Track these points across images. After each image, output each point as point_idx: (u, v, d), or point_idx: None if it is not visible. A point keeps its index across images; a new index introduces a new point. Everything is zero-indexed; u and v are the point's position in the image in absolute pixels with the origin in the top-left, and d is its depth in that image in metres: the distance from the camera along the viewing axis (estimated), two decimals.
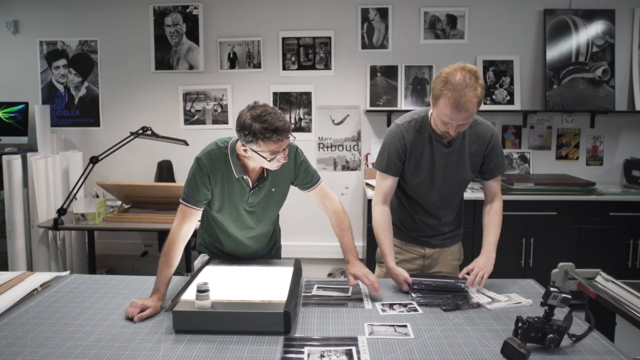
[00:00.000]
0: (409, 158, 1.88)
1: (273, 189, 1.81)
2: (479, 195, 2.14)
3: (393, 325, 1.50)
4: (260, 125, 1.55)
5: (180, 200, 1.75)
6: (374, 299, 1.71)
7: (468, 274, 1.79)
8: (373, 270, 2.17)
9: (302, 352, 1.33)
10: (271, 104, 4.08)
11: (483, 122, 1.89)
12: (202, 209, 1.78)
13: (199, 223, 1.99)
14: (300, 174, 1.82)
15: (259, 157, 1.63)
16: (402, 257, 2.01)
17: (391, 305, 1.65)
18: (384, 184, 1.92)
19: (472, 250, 2.51)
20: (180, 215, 1.74)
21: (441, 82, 1.64)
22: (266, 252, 2.01)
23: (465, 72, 1.61)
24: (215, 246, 1.96)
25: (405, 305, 1.65)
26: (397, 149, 1.87)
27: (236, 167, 1.73)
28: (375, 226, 1.92)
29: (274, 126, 1.55)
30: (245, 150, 1.65)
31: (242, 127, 1.59)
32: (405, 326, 1.49)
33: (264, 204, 1.83)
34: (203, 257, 1.96)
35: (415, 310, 1.61)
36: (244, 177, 1.75)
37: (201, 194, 1.74)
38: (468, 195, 3.05)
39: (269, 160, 1.62)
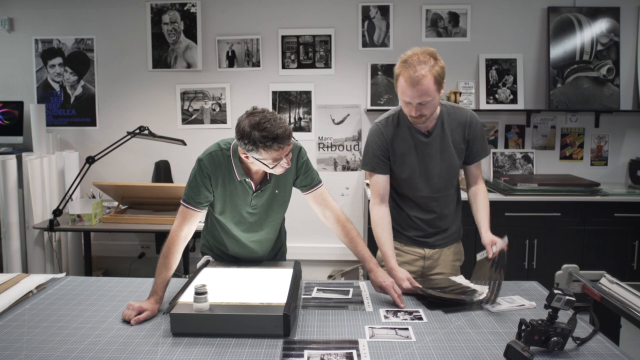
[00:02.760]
0: (393, 153, 1.89)
1: (276, 191, 1.79)
2: None
3: (394, 329, 1.48)
4: (259, 134, 1.51)
5: (181, 201, 1.74)
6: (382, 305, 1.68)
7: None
8: None
9: (302, 356, 1.32)
10: (270, 103, 4.11)
11: (461, 108, 1.93)
12: (203, 211, 1.76)
13: (202, 225, 1.98)
14: (301, 174, 1.80)
15: (261, 165, 1.61)
16: (402, 259, 1.99)
17: (395, 313, 1.61)
18: (376, 183, 1.92)
19: (473, 251, 2.48)
20: (181, 217, 1.72)
21: (399, 63, 1.73)
22: (272, 256, 1.99)
23: (422, 52, 1.71)
24: (219, 248, 1.95)
25: (410, 313, 1.61)
26: (379, 146, 1.89)
27: (238, 170, 1.71)
28: (374, 227, 1.90)
29: (274, 134, 1.51)
30: (247, 157, 1.63)
31: (241, 136, 1.56)
32: (406, 329, 1.48)
33: (268, 206, 1.81)
34: (206, 259, 1.94)
35: (420, 318, 1.57)
36: (247, 179, 1.72)
37: (202, 195, 1.72)
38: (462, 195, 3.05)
39: (272, 167, 1.60)
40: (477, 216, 1.92)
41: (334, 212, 1.82)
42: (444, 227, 1.98)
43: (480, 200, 1.93)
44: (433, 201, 1.94)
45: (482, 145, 1.93)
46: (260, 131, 1.51)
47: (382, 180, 1.91)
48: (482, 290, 1.70)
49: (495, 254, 1.73)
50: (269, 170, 1.64)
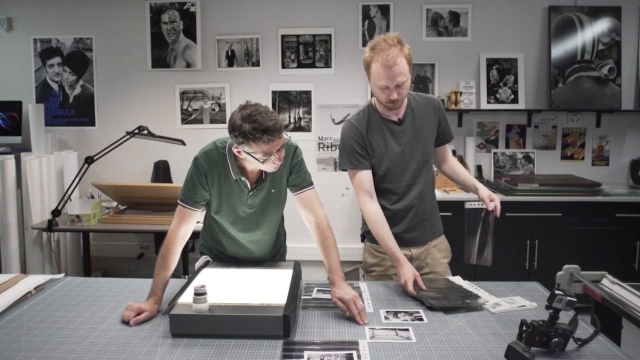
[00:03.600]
0: (370, 147, 1.90)
1: (272, 190, 1.78)
2: (467, 197, 2.13)
3: (395, 329, 1.47)
4: (250, 126, 1.51)
5: (178, 201, 1.73)
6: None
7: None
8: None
9: (302, 357, 1.31)
10: (270, 103, 4.10)
11: (425, 94, 2.03)
12: (200, 210, 1.75)
13: (201, 225, 1.97)
14: (294, 172, 1.78)
15: (252, 159, 1.60)
16: (388, 264, 1.97)
17: (396, 314, 1.60)
18: (361, 180, 1.90)
19: (460, 252, 2.45)
20: (178, 217, 1.72)
21: (368, 51, 1.77)
22: (271, 257, 1.97)
23: (388, 37, 1.75)
24: (217, 248, 1.94)
25: (410, 314, 1.60)
26: (356, 141, 1.90)
27: (233, 168, 1.70)
28: (372, 226, 1.88)
29: (264, 126, 1.51)
30: (239, 152, 1.62)
31: (232, 128, 1.56)
32: (407, 330, 1.47)
33: (264, 205, 1.80)
34: (204, 259, 1.93)
35: (421, 319, 1.56)
36: (242, 178, 1.72)
37: (199, 194, 1.72)
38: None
39: (262, 162, 1.59)
40: (462, 179, 1.99)
41: (316, 217, 1.78)
42: (426, 215, 1.96)
43: (459, 167, 2.02)
44: (414, 187, 1.93)
45: (449, 127, 2.02)
46: (250, 123, 1.51)
47: (366, 176, 1.90)
48: (485, 296, 1.69)
49: (494, 209, 1.79)
50: (260, 166, 1.63)
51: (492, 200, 1.83)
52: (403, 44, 1.75)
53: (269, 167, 1.62)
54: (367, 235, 2.03)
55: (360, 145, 1.89)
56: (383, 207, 1.93)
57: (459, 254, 1.99)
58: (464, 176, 2.00)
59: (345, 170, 1.94)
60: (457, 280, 1.87)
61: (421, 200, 1.95)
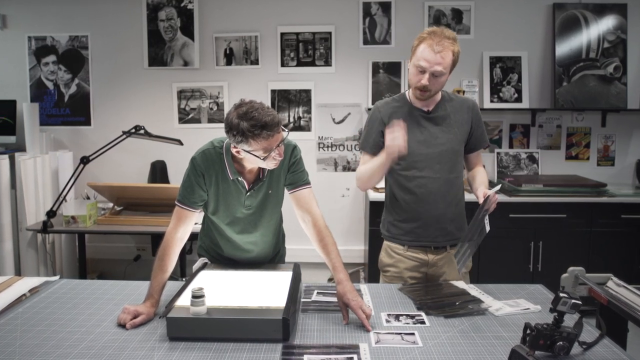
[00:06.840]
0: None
1: (270, 191, 1.76)
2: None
3: (400, 334, 1.46)
4: (247, 123, 1.50)
5: (176, 202, 1.72)
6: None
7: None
8: (377, 278, 2.13)
9: None
10: (269, 102, 4.07)
11: (461, 96, 2.04)
12: (198, 210, 1.74)
13: (199, 226, 1.96)
14: (291, 171, 1.76)
15: (252, 157, 1.58)
16: (403, 266, 1.96)
17: (397, 317, 1.58)
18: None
19: (478, 259, 2.43)
20: (176, 218, 1.71)
21: (424, 33, 1.83)
22: (269, 259, 1.95)
23: (445, 29, 1.83)
24: (215, 250, 1.92)
25: (412, 317, 1.58)
26: (378, 125, 1.94)
27: (231, 168, 1.68)
28: (361, 173, 1.94)
29: (262, 122, 1.50)
30: (238, 152, 1.60)
31: (230, 128, 1.54)
32: (413, 334, 1.45)
33: (262, 206, 1.78)
34: (202, 261, 1.91)
35: (423, 322, 1.55)
36: (239, 178, 1.70)
37: (196, 194, 1.70)
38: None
39: (263, 159, 1.57)
40: (475, 184, 1.93)
41: (313, 217, 1.74)
42: (448, 216, 1.92)
43: (479, 173, 1.96)
44: (432, 183, 1.89)
45: (484, 132, 2.00)
46: (248, 120, 1.50)
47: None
48: (488, 301, 1.67)
49: (487, 198, 1.75)
50: (261, 164, 1.61)
51: (485, 195, 1.77)
52: (456, 42, 1.82)
53: (270, 163, 1.60)
54: (385, 235, 2.03)
55: (380, 131, 1.90)
56: (405, 202, 1.93)
57: (476, 264, 1.96)
58: (477, 182, 1.92)
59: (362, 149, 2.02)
60: (461, 284, 1.85)
61: (437, 198, 1.90)
